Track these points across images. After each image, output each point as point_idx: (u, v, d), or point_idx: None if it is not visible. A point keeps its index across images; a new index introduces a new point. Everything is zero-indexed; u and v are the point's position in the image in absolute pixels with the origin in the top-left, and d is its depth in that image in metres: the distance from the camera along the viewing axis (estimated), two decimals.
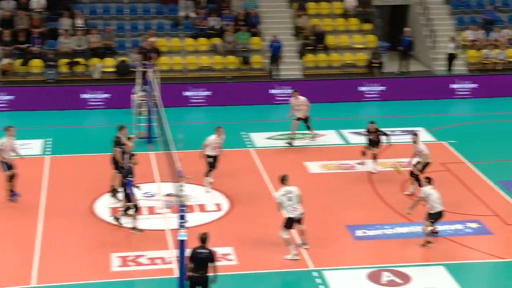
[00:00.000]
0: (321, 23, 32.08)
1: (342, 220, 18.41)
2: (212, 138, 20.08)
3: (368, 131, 21.57)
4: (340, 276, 15.92)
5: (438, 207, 16.89)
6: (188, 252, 14.03)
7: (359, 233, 17.74)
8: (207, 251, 13.90)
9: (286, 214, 16.45)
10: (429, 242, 17.09)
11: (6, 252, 16.74)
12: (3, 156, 19.12)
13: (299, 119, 23.61)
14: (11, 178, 19.23)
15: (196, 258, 13.83)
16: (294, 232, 16.99)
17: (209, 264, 13.86)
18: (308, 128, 23.84)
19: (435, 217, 16.93)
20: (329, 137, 24.47)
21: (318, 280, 15.77)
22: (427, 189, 17.00)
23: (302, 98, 23.58)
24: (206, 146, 20.07)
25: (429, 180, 17.17)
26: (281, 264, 16.46)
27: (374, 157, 21.46)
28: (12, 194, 19.24)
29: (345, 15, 32.70)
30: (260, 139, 24.24)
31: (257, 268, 16.30)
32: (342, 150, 22.74)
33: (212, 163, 20.09)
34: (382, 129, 21.65)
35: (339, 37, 31.88)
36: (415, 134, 20.20)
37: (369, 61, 30.80)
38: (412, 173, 19.85)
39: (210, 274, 13.87)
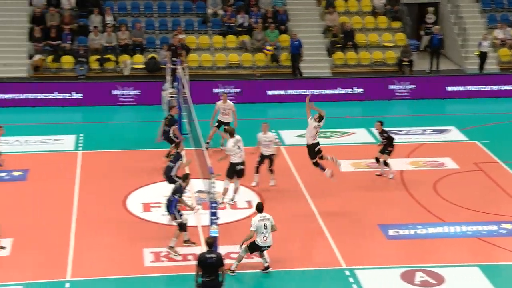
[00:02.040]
0: (350, 21, 31.99)
1: (374, 219, 18.34)
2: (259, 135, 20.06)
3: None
4: (372, 276, 15.86)
5: None
6: (196, 258, 14.00)
7: (391, 232, 17.66)
8: (215, 255, 13.85)
9: (257, 241, 15.84)
10: None
11: (41, 246, 16.87)
12: None
13: (221, 124, 22.26)
14: None
15: (205, 263, 13.74)
16: None
17: (219, 268, 13.77)
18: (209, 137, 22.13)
19: None
20: (359, 135, 24.39)
21: (351, 279, 15.72)
22: None
23: (230, 102, 22.63)
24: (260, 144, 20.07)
25: None
26: (312, 262, 16.46)
27: (385, 163, 20.81)
28: None
29: (374, 13, 32.59)
30: (290, 136, 24.21)
31: (288, 266, 16.28)
32: (373, 149, 22.63)
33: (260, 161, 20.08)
34: (387, 130, 21.07)
35: (368, 35, 31.79)
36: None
37: (399, 59, 30.68)
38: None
39: (220, 278, 13.79)
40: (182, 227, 16.70)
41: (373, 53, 31.11)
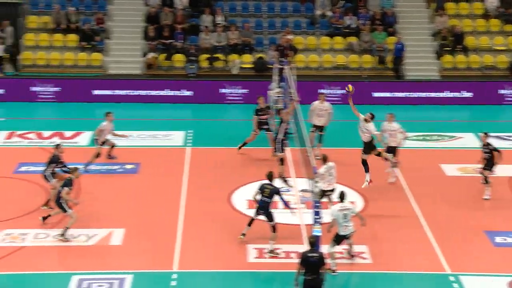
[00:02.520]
0: (460, 23, 31.46)
1: (480, 225, 18.08)
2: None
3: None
4: (478, 282, 15.64)
5: None
6: (299, 256, 14.21)
7: (498, 239, 17.34)
8: (317, 254, 14.00)
9: (339, 232, 16.00)
10: None
11: (150, 237, 17.51)
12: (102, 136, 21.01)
13: (316, 127, 21.98)
14: (98, 155, 20.78)
15: (307, 262, 13.91)
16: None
17: (321, 268, 13.92)
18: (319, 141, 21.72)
19: None
20: (467, 139, 24.02)
21: (456, 285, 15.57)
22: None
23: (327, 104, 22.12)
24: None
25: None
26: (416, 265, 16.38)
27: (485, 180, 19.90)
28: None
29: (486, 15, 31.93)
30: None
31: (391, 268, 16.28)
32: (481, 154, 22.22)
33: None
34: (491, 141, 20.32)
35: (479, 38, 31.17)
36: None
37: (511, 64, 29.91)
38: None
39: (322, 277, 13.94)
40: (274, 228, 16.83)
41: (483, 57, 30.49)
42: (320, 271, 13.93)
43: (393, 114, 20.48)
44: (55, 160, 18.59)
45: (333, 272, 15.87)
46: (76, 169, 17.55)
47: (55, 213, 17.65)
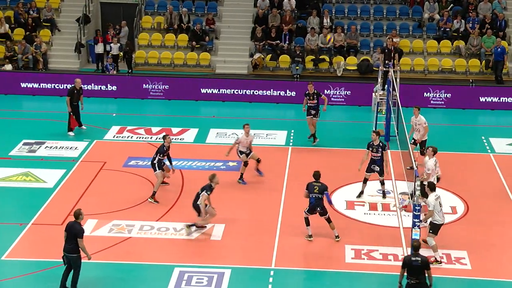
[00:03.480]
0: None
1: None
2: None
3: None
4: None
5: None
6: (402, 259, 14.38)
7: None
8: (420, 258, 14.04)
9: (437, 220, 16.22)
10: None
11: (249, 234, 17.95)
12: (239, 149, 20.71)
13: (414, 142, 21.07)
14: (246, 163, 20.66)
15: (411, 266, 14.01)
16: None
17: (425, 271, 13.99)
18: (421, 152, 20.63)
19: None
20: None
21: None
22: None
23: (422, 117, 21.11)
24: None
25: None
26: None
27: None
28: (241, 178, 20.68)
29: None
30: (500, 145, 23.68)
31: (490, 275, 16.12)
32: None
33: None
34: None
35: None
36: None
37: None
38: None
39: (426, 281, 14.03)
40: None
41: None
42: (425, 275, 14.01)
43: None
44: (162, 150, 19.36)
45: (440, 263, 16.17)
46: (214, 176, 17.84)
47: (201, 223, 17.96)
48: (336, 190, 20.18)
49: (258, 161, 20.97)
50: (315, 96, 23.12)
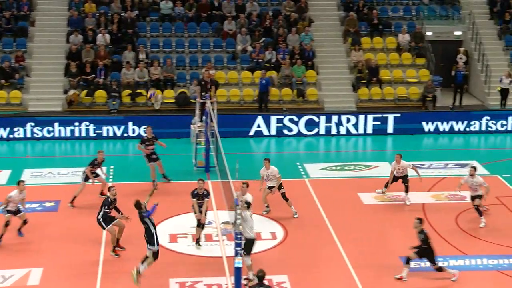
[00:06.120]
0: (375, 57, 32.64)
1: (395, 251, 18.69)
2: None
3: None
4: None
5: None
6: None
7: (413, 264, 17.85)
8: None
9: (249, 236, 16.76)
10: None
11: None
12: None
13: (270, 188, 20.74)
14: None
15: None
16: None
17: None
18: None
19: None
20: (382, 168, 24.81)
21: None
22: None
23: (274, 168, 20.76)
24: None
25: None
26: None
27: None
28: None
29: (399, 49, 33.21)
30: (314, 170, 24.75)
31: None
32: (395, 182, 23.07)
33: None
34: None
35: (392, 71, 32.41)
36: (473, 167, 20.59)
37: (423, 95, 31.21)
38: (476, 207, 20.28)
39: None
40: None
41: (397, 89, 31.69)
42: None
43: (401, 155, 21.79)
44: (107, 203, 18.32)
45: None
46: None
47: None
48: (160, 223, 20.04)
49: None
50: (154, 141, 22.80)
